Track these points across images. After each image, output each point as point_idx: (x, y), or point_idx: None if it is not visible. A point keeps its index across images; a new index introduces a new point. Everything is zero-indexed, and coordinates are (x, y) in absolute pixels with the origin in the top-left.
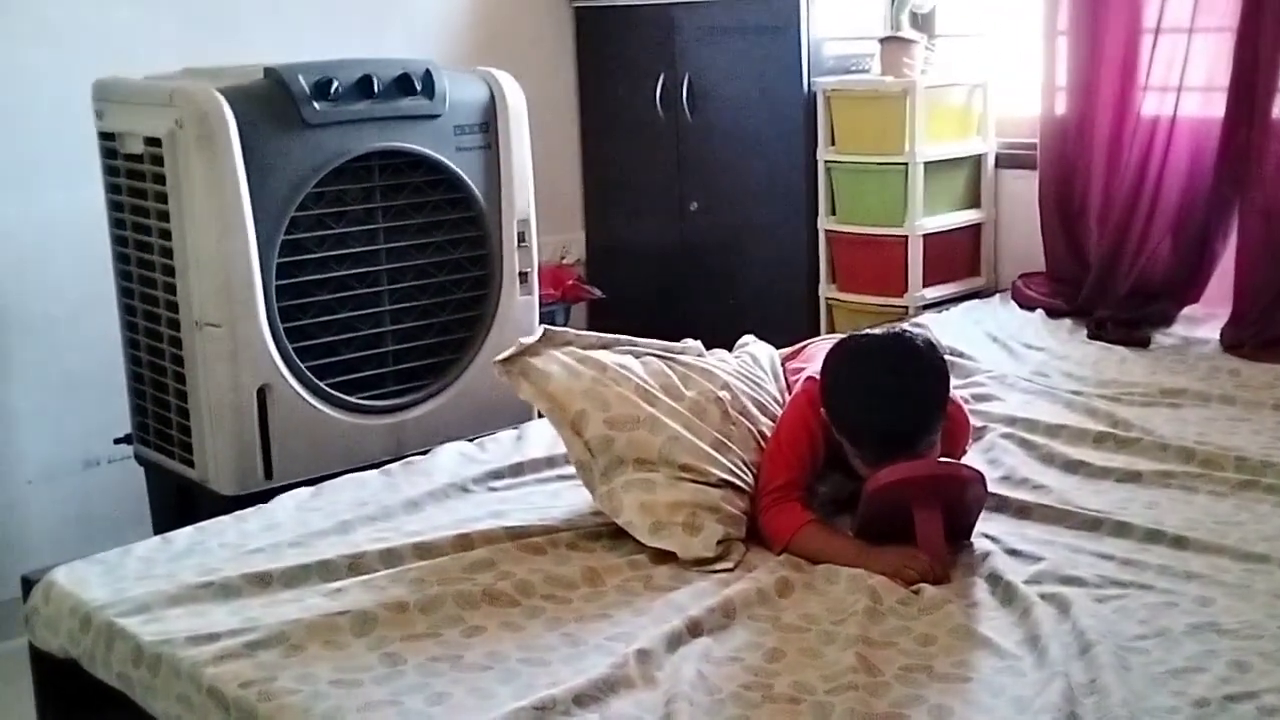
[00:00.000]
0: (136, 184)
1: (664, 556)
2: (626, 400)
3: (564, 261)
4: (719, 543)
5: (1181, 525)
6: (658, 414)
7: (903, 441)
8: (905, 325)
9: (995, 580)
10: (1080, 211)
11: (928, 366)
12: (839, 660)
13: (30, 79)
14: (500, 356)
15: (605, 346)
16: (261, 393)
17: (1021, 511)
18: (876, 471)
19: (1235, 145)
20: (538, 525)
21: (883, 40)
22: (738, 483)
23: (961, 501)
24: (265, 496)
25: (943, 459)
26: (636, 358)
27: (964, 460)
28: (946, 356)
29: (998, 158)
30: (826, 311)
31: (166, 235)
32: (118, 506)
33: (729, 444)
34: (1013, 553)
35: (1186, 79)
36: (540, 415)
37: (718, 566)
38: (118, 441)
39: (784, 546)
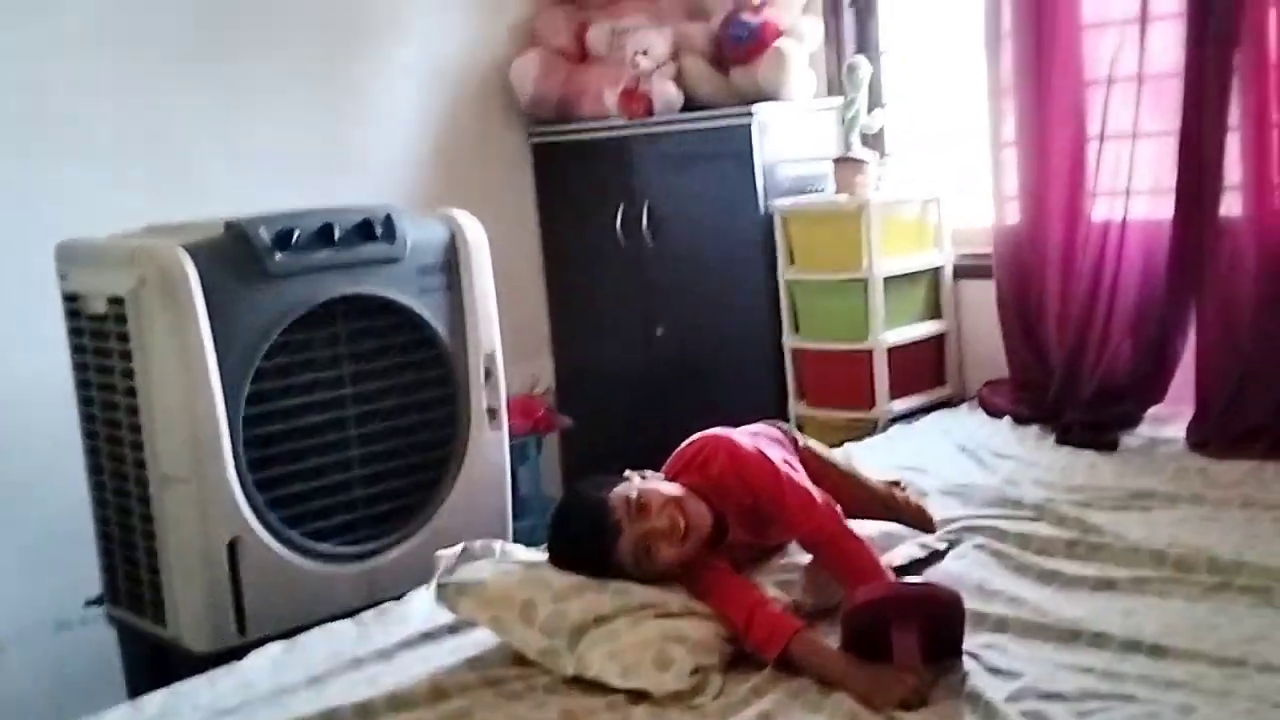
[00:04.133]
0: (101, 344)
1: (642, 695)
2: (563, 575)
3: (534, 392)
4: (692, 673)
5: (1159, 632)
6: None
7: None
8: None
9: (975, 700)
10: (1039, 318)
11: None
12: None
13: None
14: (434, 584)
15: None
16: (232, 546)
17: (999, 625)
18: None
19: (1186, 245)
20: (513, 670)
21: (835, 160)
22: (700, 609)
23: (936, 620)
24: (240, 652)
25: (918, 581)
26: None
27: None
28: (904, 474)
29: (955, 269)
30: (797, 428)
31: (132, 393)
32: (92, 669)
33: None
34: (993, 670)
35: (1134, 183)
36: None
37: (695, 701)
38: (89, 604)
39: (780, 651)
